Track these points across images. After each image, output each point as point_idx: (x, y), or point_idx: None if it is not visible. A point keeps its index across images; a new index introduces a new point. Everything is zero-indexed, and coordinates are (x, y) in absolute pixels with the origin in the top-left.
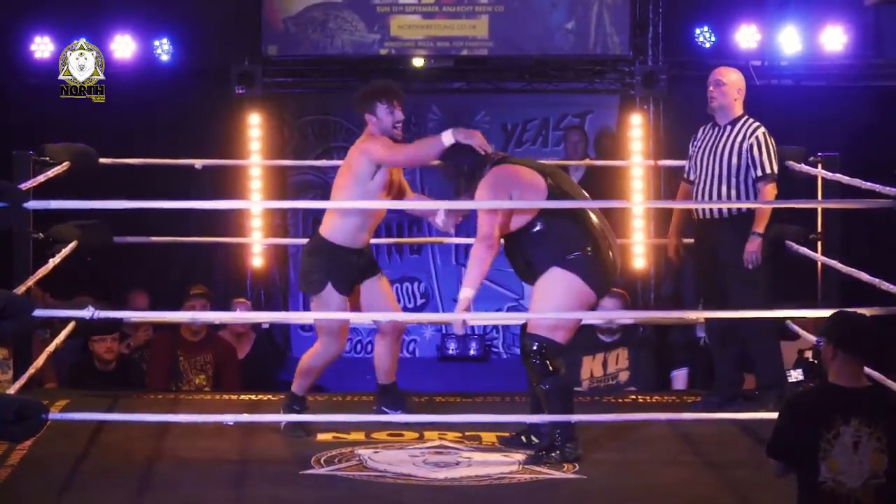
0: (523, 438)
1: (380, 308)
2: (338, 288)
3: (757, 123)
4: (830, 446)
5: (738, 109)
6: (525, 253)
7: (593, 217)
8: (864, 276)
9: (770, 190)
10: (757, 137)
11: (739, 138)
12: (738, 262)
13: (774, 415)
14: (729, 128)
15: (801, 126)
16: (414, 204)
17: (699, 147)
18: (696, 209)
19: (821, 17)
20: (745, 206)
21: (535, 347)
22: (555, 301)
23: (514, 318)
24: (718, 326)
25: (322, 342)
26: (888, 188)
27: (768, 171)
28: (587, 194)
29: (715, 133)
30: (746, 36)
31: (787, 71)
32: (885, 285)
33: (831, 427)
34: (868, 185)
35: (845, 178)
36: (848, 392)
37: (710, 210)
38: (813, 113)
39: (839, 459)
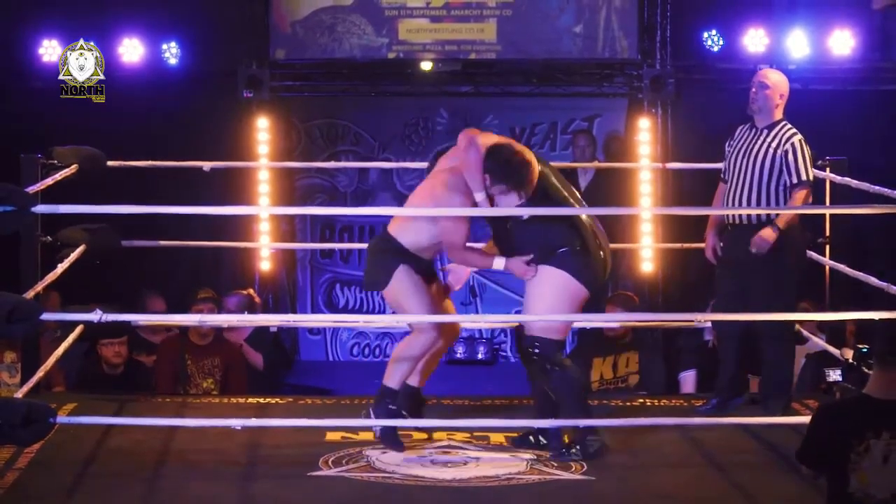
0: (531, 438)
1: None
2: (409, 271)
3: (794, 130)
4: (860, 458)
5: (779, 114)
6: (512, 243)
7: (583, 216)
8: (873, 280)
9: (801, 196)
10: (792, 144)
11: (775, 144)
12: (762, 267)
13: (783, 420)
14: (766, 132)
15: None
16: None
17: (735, 148)
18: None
19: (829, 21)
20: (765, 211)
21: (534, 350)
22: (548, 301)
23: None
24: (730, 328)
25: (418, 330)
26: None
27: (803, 177)
28: (577, 192)
29: (752, 135)
30: (754, 40)
31: (794, 75)
32: (894, 289)
33: (862, 439)
34: (876, 189)
35: (854, 182)
36: (881, 404)
37: (740, 215)
38: (821, 117)
39: (868, 472)
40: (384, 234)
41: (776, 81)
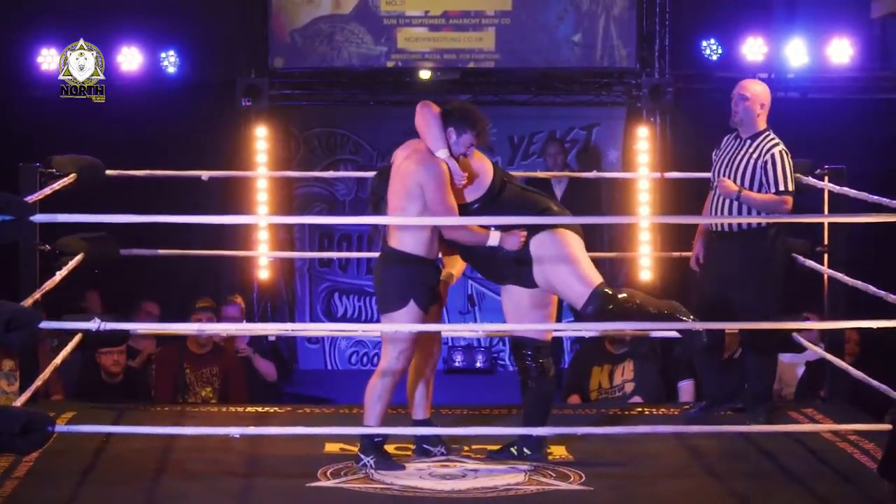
0: (513, 450)
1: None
2: (420, 304)
3: (776, 140)
4: None
5: (762, 124)
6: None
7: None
8: (871, 289)
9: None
10: (772, 155)
11: (756, 154)
12: (744, 277)
13: (782, 428)
14: (749, 142)
15: (807, 139)
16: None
17: (720, 158)
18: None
19: (827, 30)
20: (750, 220)
21: (529, 351)
22: (563, 262)
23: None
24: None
25: (389, 357)
26: (895, 202)
27: (782, 188)
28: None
29: (736, 145)
30: (753, 48)
31: (793, 83)
32: (892, 298)
33: None
34: (875, 198)
35: (852, 192)
36: None
37: (721, 223)
38: (819, 125)
39: None
40: (386, 249)
41: (755, 92)
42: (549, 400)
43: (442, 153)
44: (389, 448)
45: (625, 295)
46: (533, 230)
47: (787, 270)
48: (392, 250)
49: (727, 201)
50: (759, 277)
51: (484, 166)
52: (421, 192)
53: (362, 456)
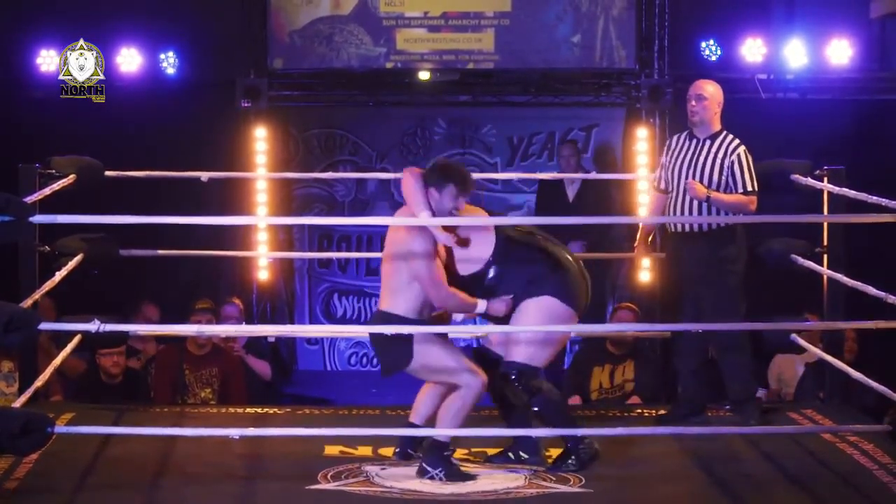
0: (510, 455)
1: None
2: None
3: (737, 140)
4: None
5: (717, 124)
6: (491, 294)
7: (555, 248)
8: (870, 290)
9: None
10: (739, 155)
11: (721, 154)
12: (713, 277)
13: (782, 429)
14: (709, 142)
15: (806, 139)
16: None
17: (676, 158)
18: (670, 223)
19: (826, 31)
20: (723, 220)
21: (514, 375)
22: (535, 330)
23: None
24: (685, 341)
25: (461, 381)
26: (894, 202)
27: (749, 188)
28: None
29: (693, 146)
30: (752, 49)
31: (792, 84)
32: (892, 298)
33: None
34: (874, 199)
35: (851, 192)
36: None
37: (687, 224)
38: (818, 126)
39: None
40: (380, 314)
41: (712, 93)
42: (561, 404)
43: (424, 216)
44: (388, 451)
45: (542, 388)
46: (530, 295)
47: (753, 265)
48: (384, 313)
49: (691, 202)
50: (727, 275)
51: (483, 234)
52: (405, 261)
53: (430, 469)
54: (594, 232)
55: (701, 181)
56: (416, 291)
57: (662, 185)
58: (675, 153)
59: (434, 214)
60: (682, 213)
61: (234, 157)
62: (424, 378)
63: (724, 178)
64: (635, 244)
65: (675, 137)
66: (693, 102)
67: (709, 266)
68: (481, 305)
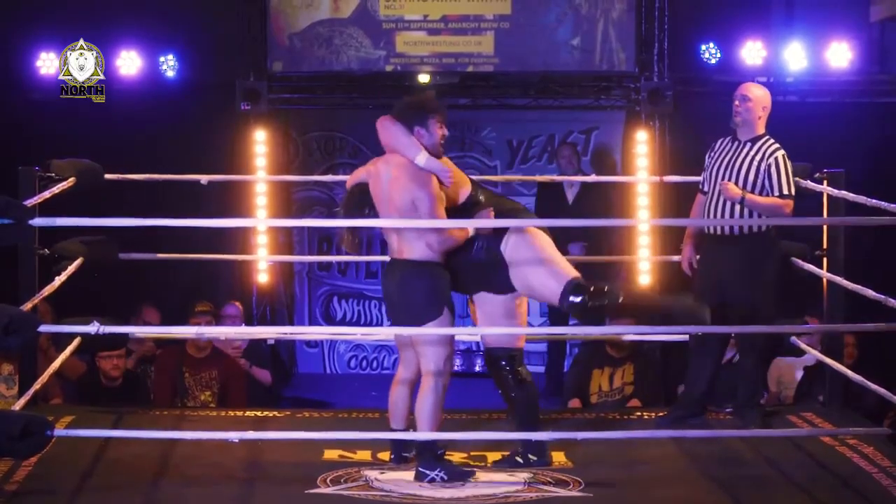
0: (519, 459)
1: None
2: (451, 309)
3: (777, 144)
4: None
5: (761, 127)
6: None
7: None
8: (870, 293)
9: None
10: (776, 159)
11: (759, 157)
12: (745, 281)
13: (781, 432)
14: (749, 145)
15: (806, 142)
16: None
17: (716, 160)
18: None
19: (826, 34)
20: (755, 223)
21: (504, 361)
22: (539, 265)
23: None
24: (708, 342)
25: (433, 365)
26: (893, 205)
27: (785, 192)
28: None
29: (734, 148)
30: (752, 52)
31: (792, 87)
32: (892, 301)
33: None
34: (874, 202)
35: (851, 195)
36: None
37: (721, 227)
38: (818, 129)
39: None
40: (398, 263)
41: (758, 95)
42: (535, 403)
43: (421, 158)
44: (387, 455)
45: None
46: (504, 233)
47: (783, 274)
48: (406, 261)
49: (727, 204)
50: (759, 280)
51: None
52: (414, 207)
53: (428, 472)
54: (593, 234)
55: (736, 183)
56: (427, 235)
57: (705, 188)
58: (717, 155)
59: (429, 151)
60: (719, 215)
61: (233, 160)
62: (419, 349)
63: (759, 180)
64: (682, 245)
65: (719, 140)
66: (737, 103)
67: (741, 268)
68: (472, 229)
